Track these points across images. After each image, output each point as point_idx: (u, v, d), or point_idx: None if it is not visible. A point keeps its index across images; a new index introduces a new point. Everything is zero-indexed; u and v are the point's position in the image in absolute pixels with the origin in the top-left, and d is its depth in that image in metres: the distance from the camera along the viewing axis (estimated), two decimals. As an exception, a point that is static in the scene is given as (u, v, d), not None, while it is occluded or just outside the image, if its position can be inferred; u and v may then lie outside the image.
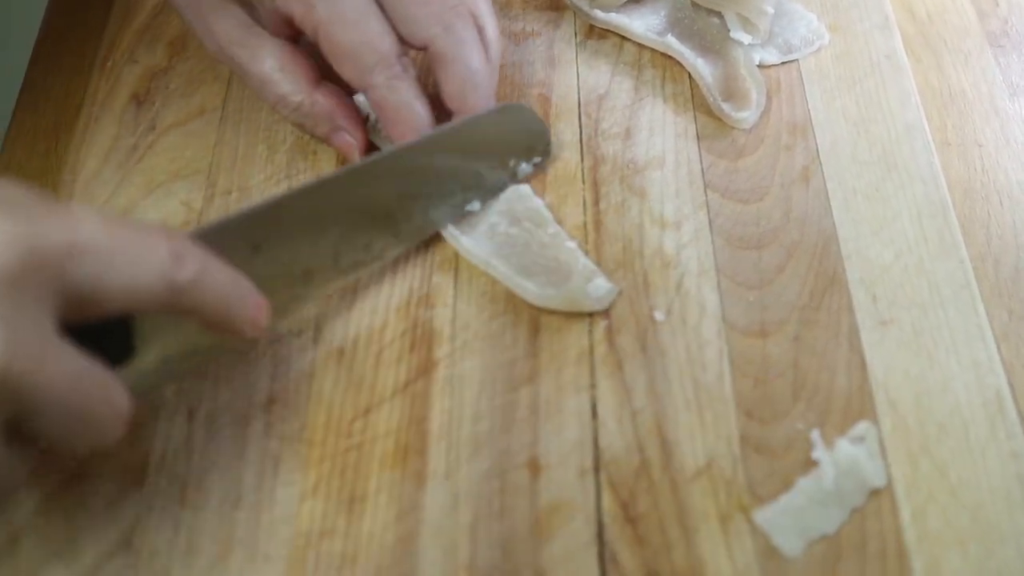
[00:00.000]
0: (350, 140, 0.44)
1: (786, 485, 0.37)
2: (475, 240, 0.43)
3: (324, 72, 0.44)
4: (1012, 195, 0.46)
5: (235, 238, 0.37)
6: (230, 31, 0.43)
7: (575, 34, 0.51)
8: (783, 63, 0.50)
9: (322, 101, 0.43)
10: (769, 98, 0.48)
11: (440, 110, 0.44)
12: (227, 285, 0.34)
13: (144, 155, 0.47)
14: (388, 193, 0.41)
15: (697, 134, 0.47)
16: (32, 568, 0.35)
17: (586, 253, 0.43)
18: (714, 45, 0.49)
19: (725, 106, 0.47)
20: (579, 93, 0.49)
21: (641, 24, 0.50)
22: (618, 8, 0.50)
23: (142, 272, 0.31)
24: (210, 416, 0.39)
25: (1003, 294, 0.43)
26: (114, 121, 0.48)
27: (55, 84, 0.50)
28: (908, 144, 0.47)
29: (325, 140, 0.45)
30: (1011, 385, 0.40)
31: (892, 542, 0.36)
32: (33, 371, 0.29)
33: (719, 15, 0.50)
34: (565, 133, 0.47)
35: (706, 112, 0.48)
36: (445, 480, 0.37)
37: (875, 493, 0.37)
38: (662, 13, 0.50)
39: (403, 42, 0.42)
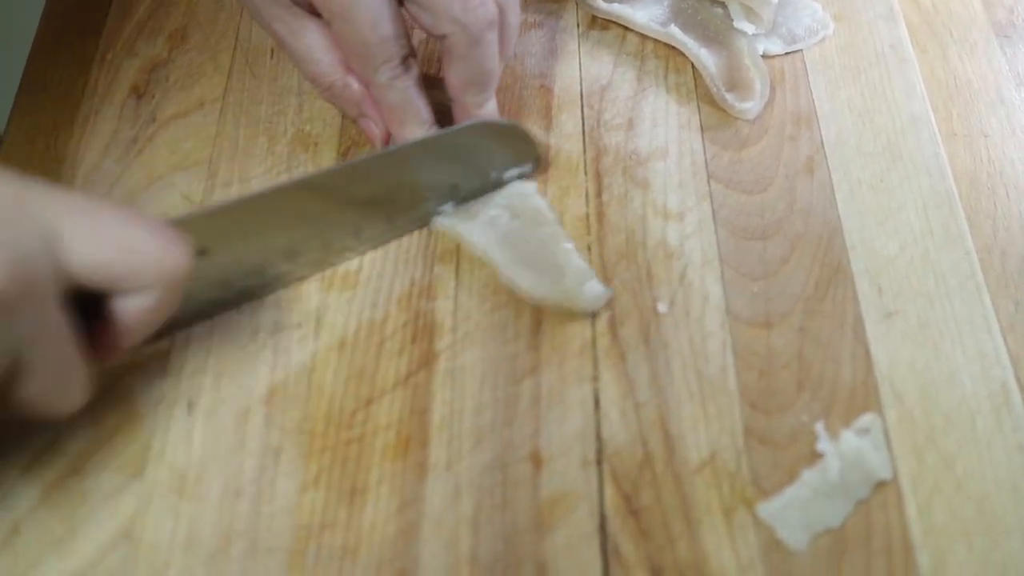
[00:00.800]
0: (374, 129, 0.44)
1: (791, 477, 0.37)
2: (474, 230, 0.43)
3: None
4: (1019, 186, 0.45)
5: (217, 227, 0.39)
6: (269, 7, 0.42)
7: (577, 25, 0.51)
8: (787, 53, 0.50)
9: (354, 86, 0.43)
10: (773, 88, 0.48)
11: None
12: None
13: (144, 147, 0.46)
14: (365, 192, 0.42)
15: (700, 125, 0.47)
16: (32, 559, 0.35)
17: (583, 255, 0.42)
18: (718, 35, 0.49)
19: (729, 96, 0.47)
20: (581, 84, 0.48)
21: (644, 14, 0.50)
22: (621, -1, 0.50)
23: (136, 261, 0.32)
24: (211, 408, 0.39)
25: (1009, 285, 0.42)
26: (114, 114, 0.48)
27: (55, 77, 0.50)
28: (913, 135, 0.47)
29: (353, 121, 0.45)
30: (1017, 377, 0.39)
31: (898, 535, 0.36)
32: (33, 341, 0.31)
33: (723, 5, 0.49)
34: (567, 124, 0.47)
35: (710, 102, 0.48)
36: (447, 472, 0.37)
37: (880, 485, 0.37)
38: (665, 3, 0.50)
39: (423, 29, 0.42)
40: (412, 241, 0.43)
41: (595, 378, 0.39)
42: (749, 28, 0.49)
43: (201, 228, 0.37)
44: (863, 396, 0.39)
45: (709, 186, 0.45)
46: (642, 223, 0.43)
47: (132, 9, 0.52)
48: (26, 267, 0.30)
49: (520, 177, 0.45)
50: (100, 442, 0.38)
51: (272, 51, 0.50)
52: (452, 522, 0.36)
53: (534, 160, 0.45)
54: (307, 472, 0.37)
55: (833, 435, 0.38)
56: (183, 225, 0.36)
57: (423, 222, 0.43)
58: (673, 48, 0.49)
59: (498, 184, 0.44)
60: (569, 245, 0.42)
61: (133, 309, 0.33)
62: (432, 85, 0.43)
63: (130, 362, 0.39)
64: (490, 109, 0.44)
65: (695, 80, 0.48)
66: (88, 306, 0.33)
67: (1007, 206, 0.45)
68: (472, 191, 0.44)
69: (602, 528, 0.36)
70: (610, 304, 0.41)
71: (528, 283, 0.41)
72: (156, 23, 0.52)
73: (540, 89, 0.48)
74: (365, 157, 0.43)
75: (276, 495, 0.37)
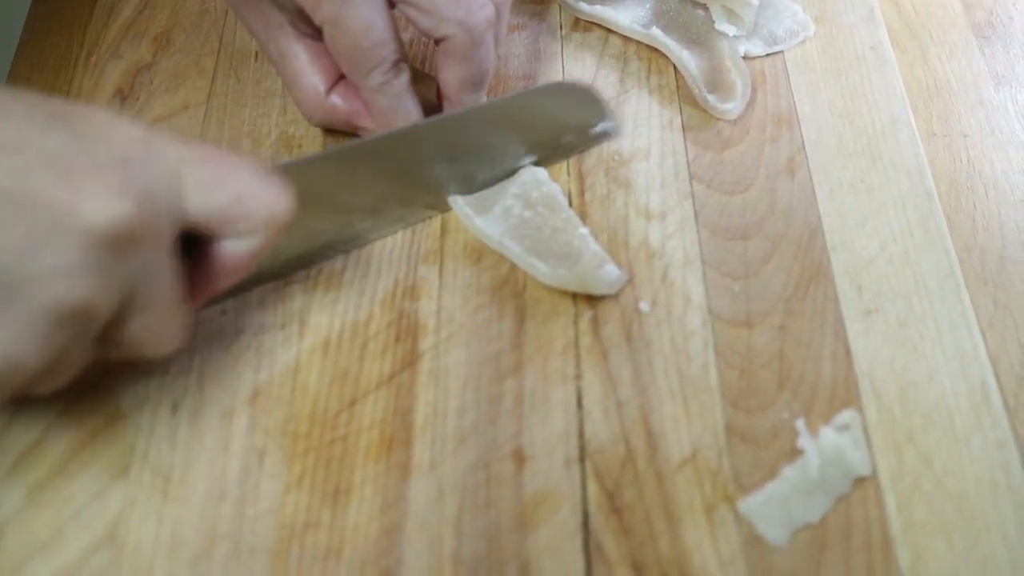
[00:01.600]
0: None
1: (771, 474, 0.37)
2: (489, 221, 0.43)
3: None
4: (998, 185, 0.46)
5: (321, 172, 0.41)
6: (260, 30, 0.43)
7: (560, 27, 0.51)
8: (768, 55, 0.50)
9: (339, 105, 0.44)
10: (754, 90, 0.48)
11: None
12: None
13: (129, 150, 0.46)
14: (445, 151, 0.43)
15: (683, 125, 0.47)
16: (17, 561, 0.35)
17: (596, 240, 0.43)
18: (699, 37, 0.49)
19: (711, 98, 0.47)
20: (565, 86, 0.49)
21: (627, 16, 0.50)
22: (603, 1, 0.50)
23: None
24: (195, 409, 0.39)
25: (988, 283, 0.43)
26: (99, 116, 0.48)
27: (40, 80, 0.50)
28: (893, 135, 0.47)
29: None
30: (996, 374, 0.40)
31: (877, 531, 0.36)
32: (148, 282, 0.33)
33: (704, 7, 0.50)
34: (551, 126, 0.47)
35: (691, 104, 0.48)
36: (430, 471, 0.37)
37: (860, 482, 0.37)
38: (647, 5, 0.50)
39: (422, 32, 0.42)
40: (396, 242, 0.43)
41: (578, 377, 0.40)
42: (731, 30, 0.49)
43: (294, 178, 0.38)
44: (843, 394, 0.39)
45: (691, 186, 0.45)
46: (624, 223, 0.44)
47: (117, 12, 0.52)
48: (153, 204, 0.32)
49: (603, 135, 0.46)
50: (84, 443, 0.38)
51: (256, 55, 0.50)
52: (435, 522, 0.36)
53: (611, 118, 0.46)
54: (291, 473, 0.37)
55: (813, 432, 0.38)
56: (283, 172, 0.37)
57: (512, 172, 0.45)
58: (655, 50, 0.50)
59: (582, 143, 0.46)
60: (584, 230, 0.43)
61: (237, 252, 0.35)
62: (416, 80, 0.44)
63: (114, 363, 0.39)
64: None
65: (677, 81, 0.49)
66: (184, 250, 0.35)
67: (986, 205, 0.45)
68: (552, 151, 0.45)
69: (585, 526, 0.36)
70: (593, 303, 0.41)
71: (546, 271, 0.41)
72: (141, 26, 0.52)
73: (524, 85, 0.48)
74: (447, 114, 0.43)
75: (260, 496, 0.37)
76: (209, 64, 0.50)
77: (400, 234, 0.44)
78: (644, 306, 0.41)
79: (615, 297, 0.42)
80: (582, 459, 0.38)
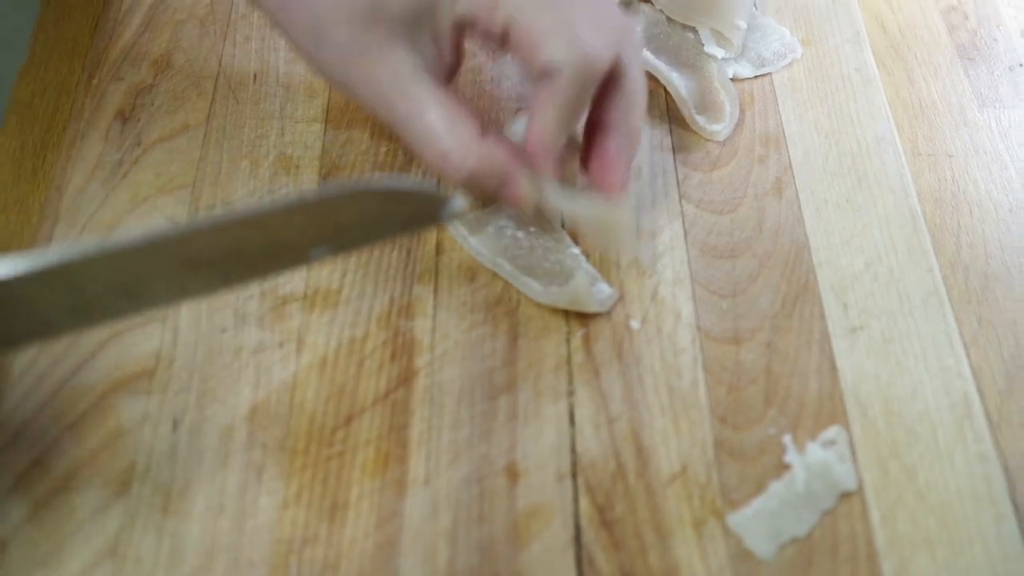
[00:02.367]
0: (518, 192, 0.40)
1: (759, 489, 0.38)
2: (483, 240, 0.44)
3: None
4: (981, 204, 0.47)
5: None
6: (395, 80, 0.39)
7: (553, 49, 0.52)
8: (756, 76, 0.51)
9: (494, 152, 0.40)
10: (742, 111, 0.49)
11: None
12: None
13: (129, 171, 0.47)
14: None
15: (672, 146, 0.48)
16: (19, 577, 0.36)
17: (588, 259, 0.44)
18: (689, 59, 0.50)
19: (699, 119, 0.48)
20: (557, 107, 0.50)
21: (617, 39, 0.51)
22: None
23: None
24: (194, 426, 0.39)
25: (972, 301, 0.44)
26: (100, 138, 0.49)
27: (42, 102, 0.51)
28: (879, 155, 0.48)
29: (495, 194, 0.41)
30: (979, 390, 0.41)
31: (862, 544, 0.37)
32: None
33: (694, 30, 0.51)
34: (543, 146, 0.48)
35: (681, 125, 0.49)
36: (425, 487, 0.38)
37: (845, 496, 0.38)
38: (637, 28, 0.51)
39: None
40: (392, 261, 0.44)
41: (570, 393, 0.40)
42: (719, 52, 0.50)
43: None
44: (829, 410, 0.40)
45: (681, 206, 0.46)
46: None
47: (117, 35, 0.53)
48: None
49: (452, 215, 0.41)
50: (86, 460, 0.38)
51: (254, 76, 0.51)
52: (430, 536, 0.37)
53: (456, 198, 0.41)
54: (288, 489, 0.38)
55: (800, 448, 0.39)
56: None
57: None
58: (646, 72, 0.50)
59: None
60: (576, 250, 0.44)
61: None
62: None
63: (115, 381, 0.40)
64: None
65: (667, 103, 0.50)
66: None
67: (970, 224, 0.46)
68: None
69: (577, 539, 0.37)
70: (585, 321, 0.42)
71: (539, 289, 0.42)
72: (141, 49, 0.53)
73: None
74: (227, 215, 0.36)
75: (258, 511, 0.37)
76: (208, 86, 0.51)
77: (396, 254, 0.44)
78: (635, 323, 0.42)
79: (607, 315, 0.42)
80: (574, 474, 0.38)
